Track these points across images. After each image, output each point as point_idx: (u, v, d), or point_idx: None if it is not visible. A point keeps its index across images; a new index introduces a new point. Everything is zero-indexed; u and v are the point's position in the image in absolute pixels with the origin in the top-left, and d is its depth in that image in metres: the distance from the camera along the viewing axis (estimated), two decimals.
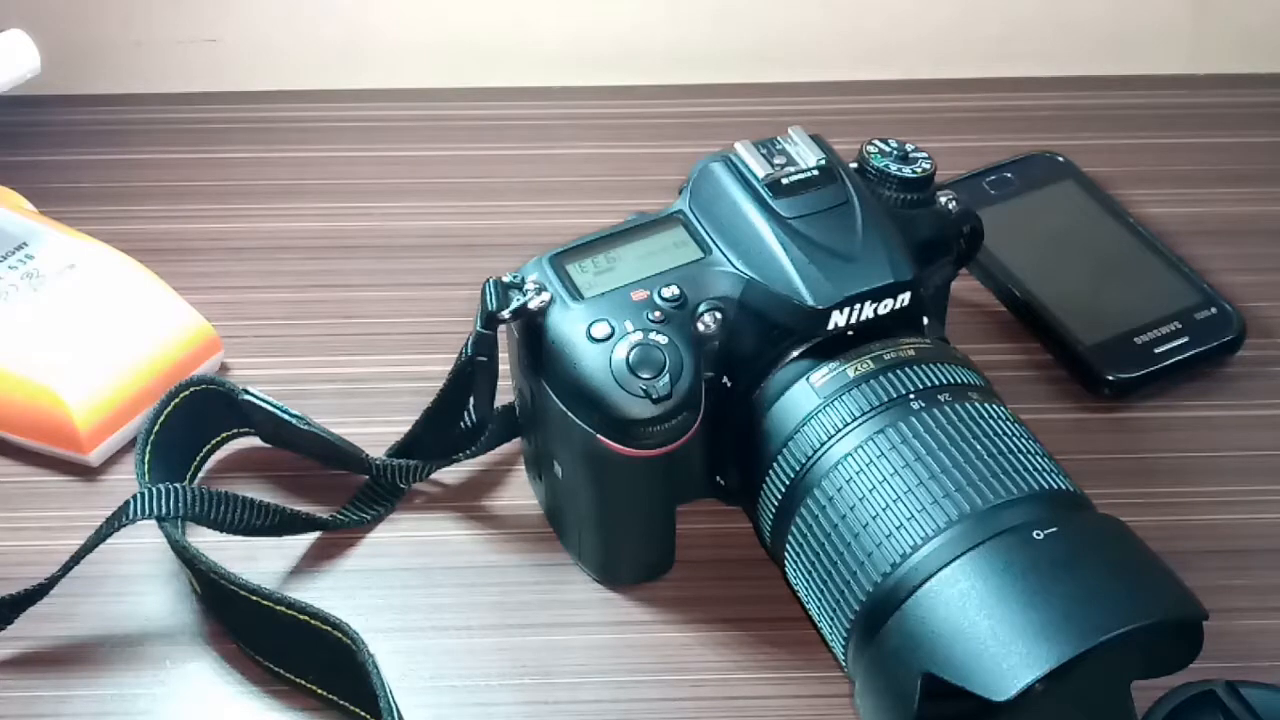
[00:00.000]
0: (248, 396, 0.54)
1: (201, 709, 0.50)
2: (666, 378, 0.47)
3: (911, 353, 0.49)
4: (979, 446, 0.46)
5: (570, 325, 0.48)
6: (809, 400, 0.48)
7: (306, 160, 0.71)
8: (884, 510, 0.45)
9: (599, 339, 0.48)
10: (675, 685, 0.51)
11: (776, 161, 0.51)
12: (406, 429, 0.56)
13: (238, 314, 0.63)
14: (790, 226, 0.49)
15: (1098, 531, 0.45)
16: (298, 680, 0.50)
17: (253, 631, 0.51)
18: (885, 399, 0.47)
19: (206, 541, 0.52)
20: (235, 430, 0.57)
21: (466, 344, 0.52)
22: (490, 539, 0.55)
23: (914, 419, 0.46)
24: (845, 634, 0.45)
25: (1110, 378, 0.60)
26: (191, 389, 0.55)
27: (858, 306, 0.48)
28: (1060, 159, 0.70)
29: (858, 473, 0.46)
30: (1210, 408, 0.61)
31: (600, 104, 0.75)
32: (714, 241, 0.50)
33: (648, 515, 0.52)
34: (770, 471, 0.48)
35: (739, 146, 0.51)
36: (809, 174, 0.50)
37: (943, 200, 0.53)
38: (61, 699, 0.50)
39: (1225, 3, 0.77)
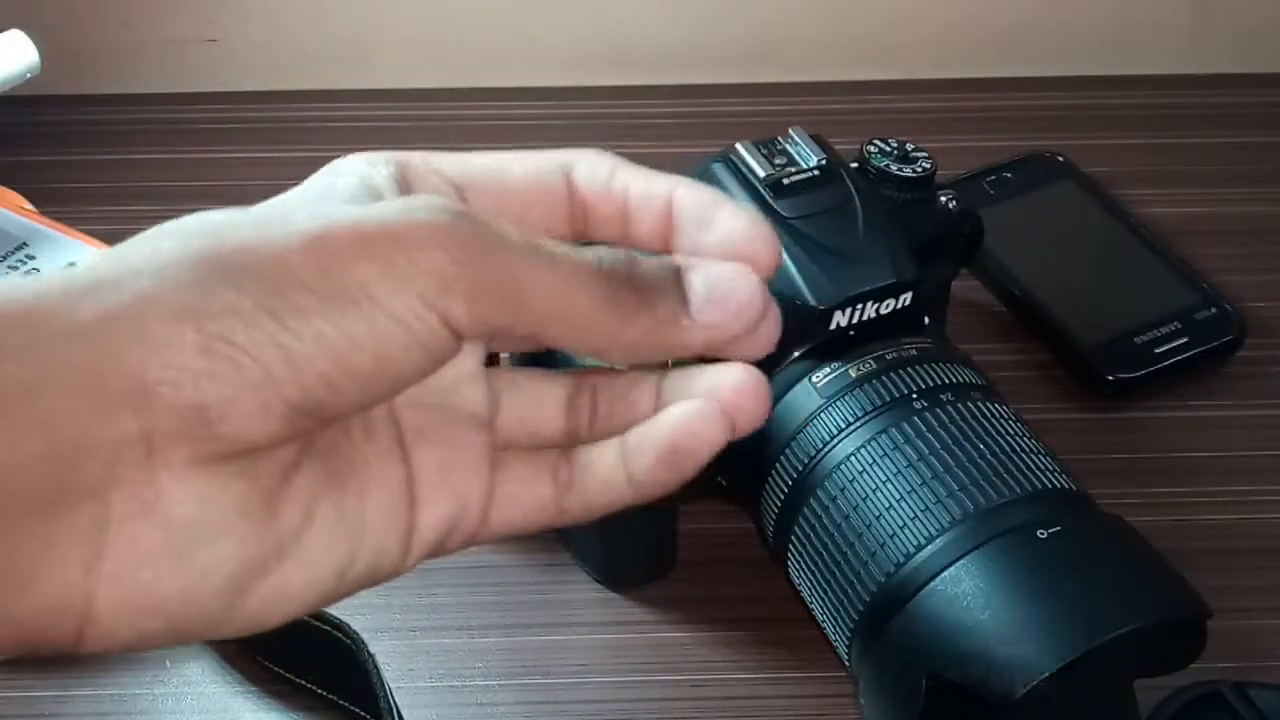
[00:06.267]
0: None
1: (201, 709, 0.50)
2: None
3: (913, 352, 0.49)
4: (982, 446, 0.46)
5: None
6: (811, 400, 0.48)
7: (307, 160, 0.70)
8: (887, 510, 0.45)
9: None
10: (675, 685, 0.51)
11: (777, 162, 0.50)
12: None
13: None
14: (791, 227, 0.49)
15: (1101, 530, 0.45)
16: (298, 680, 0.50)
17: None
18: (887, 399, 0.47)
19: None
20: None
21: None
22: None
23: (916, 419, 0.46)
24: (849, 634, 0.45)
25: (1110, 378, 0.60)
26: None
27: (860, 306, 0.48)
28: (1060, 159, 0.70)
29: (861, 473, 0.46)
30: (1210, 408, 0.61)
31: (600, 104, 0.75)
32: None
33: (649, 516, 0.52)
34: (773, 472, 0.48)
35: (739, 147, 0.51)
36: (810, 174, 0.50)
37: (943, 200, 0.53)
38: (61, 699, 0.50)
39: (1225, 3, 0.77)
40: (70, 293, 0.26)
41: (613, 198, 0.32)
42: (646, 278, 0.29)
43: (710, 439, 0.31)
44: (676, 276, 0.30)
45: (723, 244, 0.31)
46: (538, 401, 0.32)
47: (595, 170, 0.32)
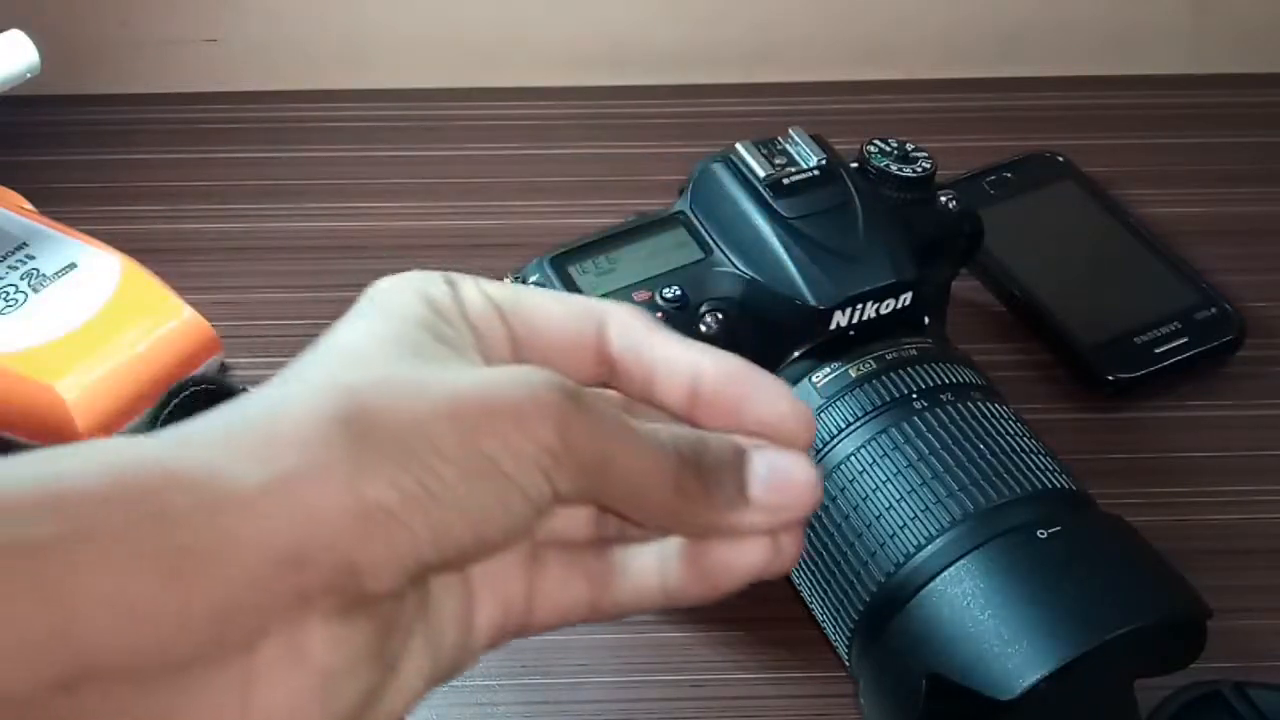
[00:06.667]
0: None
1: None
2: None
3: (913, 352, 0.49)
4: (982, 446, 0.46)
5: None
6: (811, 400, 0.48)
7: (306, 160, 0.71)
8: (887, 510, 0.45)
9: None
10: (675, 685, 0.51)
11: (777, 162, 0.51)
12: None
13: (238, 314, 0.63)
14: (791, 226, 0.49)
15: (1101, 530, 0.45)
16: None
17: None
18: (887, 399, 0.47)
19: None
20: None
21: None
22: None
23: (916, 419, 0.46)
24: (849, 634, 0.45)
25: (1110, 378, 0.60)
26: (191, 389, 0.55)
27: (859, 306, 0.48)
28: (1060, 159, 0.70)
29: (861, 473, 0.46)
30: (1210, 408, 0.61)
31: (600, 104, 0.75)
32: (715, 242, 0.50)
33: None
34: None
35: (739, 147, 0.51)
36: (810, 174, 0.50)
37: (943, 200, 0.53)
38: None
39: (1225, 3, 0.77)
40: (233, 455, 0.27)
41: (641, 362, 0.33)
42: (713, 463, 0.31)
43: (750, 563, 0.32)
44: (740, 461, 0.31)
45: (762, 425, 0.32)
46: (565, 510, 0.33)
47: (627, 330, 0.33)
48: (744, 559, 0.32)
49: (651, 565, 0.33)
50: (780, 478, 0.31)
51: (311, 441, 0.27)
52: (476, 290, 0.32)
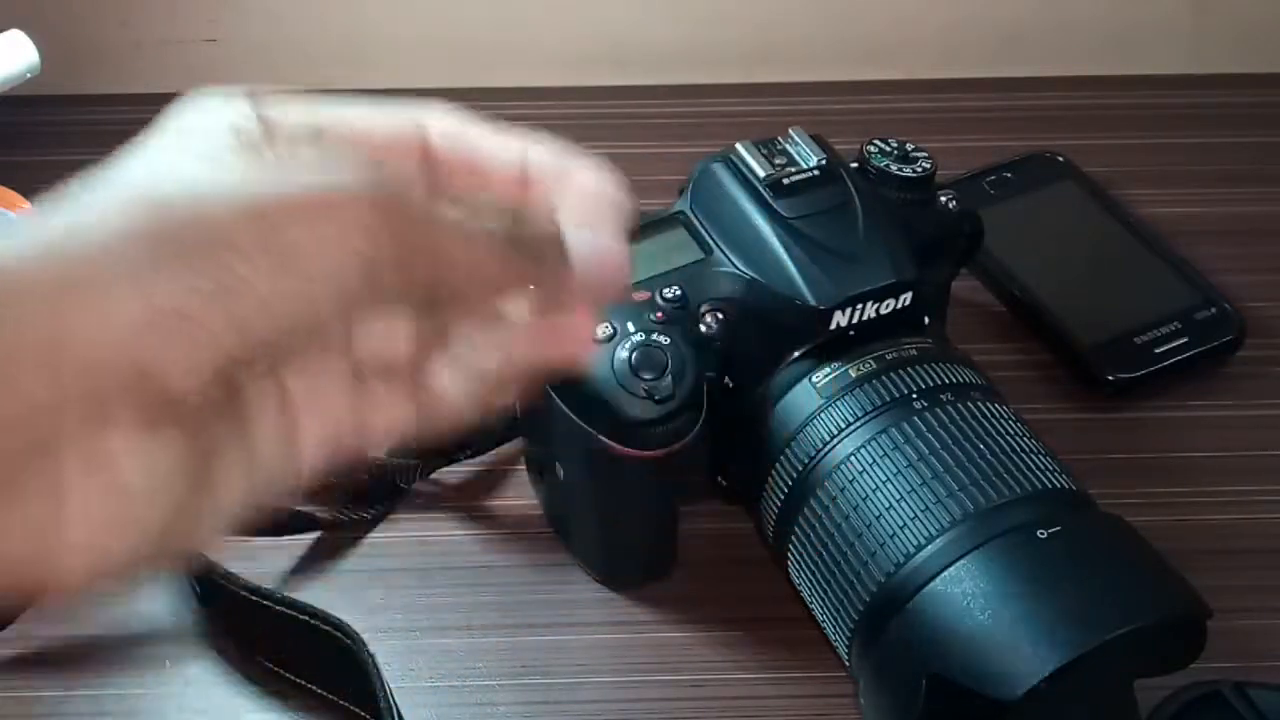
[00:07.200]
0: None
1: (201, 709, 0.50)
2: (669, 378, 0.47)
3: (913, 352, 0.49)
4: (981, 446, 0.46)
5: None
6: (811, 401, 0.48)
7: None
8: (887, 510, 0.45)
9: (601, 340, 0.48)
10: (675, 685, 0.51)
11: (777, 162, 0.50)
12: None
13: None
14: (791, 227, 0.49)
15: (1101, 530, 0.45)
16: (298, 680, 0.50)
17: (252, 631, 0.51)
18: (887, 399, 0.47)
19: None
20: None
21: None
22: (490, 539, 0.55)
23: (916, 419, 0.46)
24: (849, 634, 0.45)
25: (1110, 378, 0.60)
26: None
27: (859, 306, 0.48)
28: (1060, 159, 0.70)
29: (861, 473, 0.46)
30: (1210, 408, 0.61)
31: (600, 104, 0.75)
32: (715, 242, 0.50)
33: (649, 516, 0.52)
34: (773, 472, 0.48)
35: (739, 147, 0.51)
36: (810, 174, 0.50)
37: (943, 200, 0.53)
38: (61, 699, 0.50)
39: (1225, 3, 0.77)
40: (26, 258, 0.27)
41: (465, 155, 0.34)
42: (535, 239, 0.32)
43: (581, 336, 0.34)
44: (560, 236, 0.33)
45: (581, 198, 0.34)
46: (387, 333, 0.34)
47: (449, 127, 0.34)
48: (573, 333, 0.34)
49: (475, 366, 0.34)
50: (597, 249, 0.33)
51: (104, 251, 0.27)
52: (285, 110, 0.32)
